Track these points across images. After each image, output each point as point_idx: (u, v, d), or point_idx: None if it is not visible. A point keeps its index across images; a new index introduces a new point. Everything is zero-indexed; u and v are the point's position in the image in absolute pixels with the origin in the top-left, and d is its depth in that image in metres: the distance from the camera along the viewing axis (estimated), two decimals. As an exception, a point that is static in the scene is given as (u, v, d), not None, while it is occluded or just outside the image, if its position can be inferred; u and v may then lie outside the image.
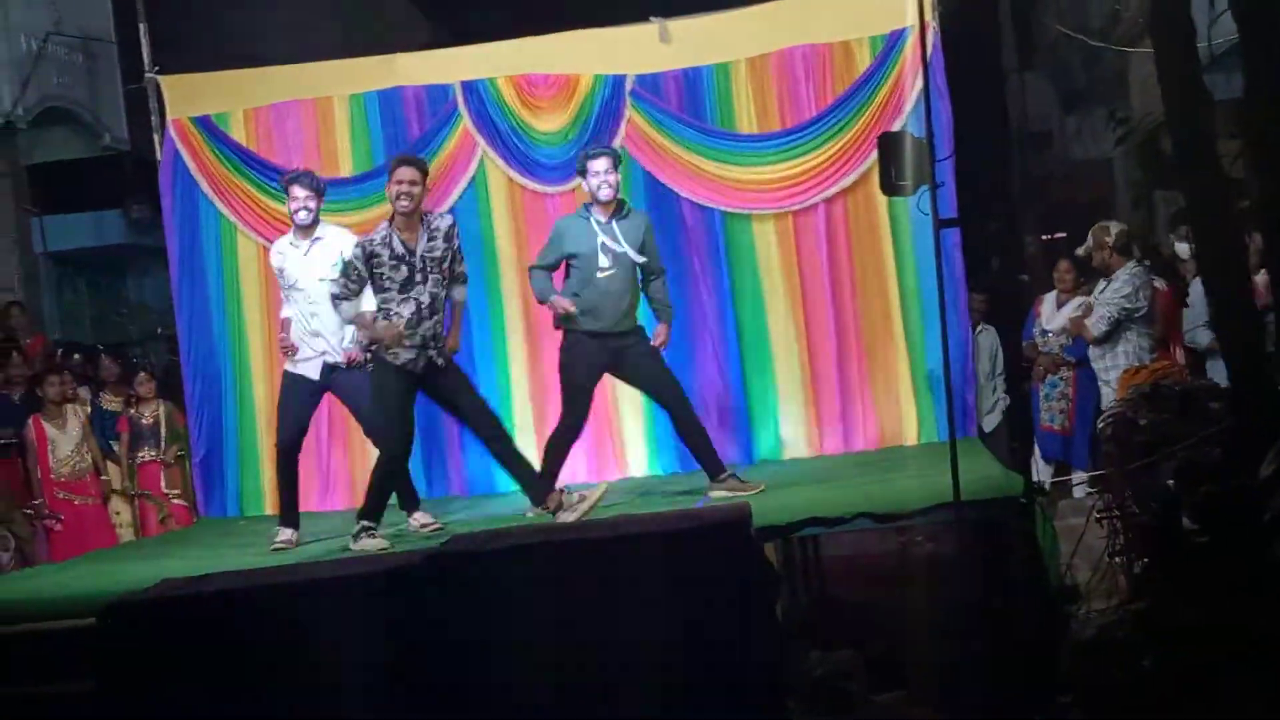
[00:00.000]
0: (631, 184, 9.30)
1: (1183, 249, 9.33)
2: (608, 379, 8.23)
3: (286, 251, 8.15)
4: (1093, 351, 9.36)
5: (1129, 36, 12.46)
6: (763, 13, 9.30)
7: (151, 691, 5.55)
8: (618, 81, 9.31)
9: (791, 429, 9.27)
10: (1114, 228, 9.53)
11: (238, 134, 9.73)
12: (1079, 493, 9.16)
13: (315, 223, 8.10)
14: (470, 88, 9.45)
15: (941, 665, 6.52)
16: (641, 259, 7.91)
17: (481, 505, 8.85)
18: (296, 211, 8.05)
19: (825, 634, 7.19)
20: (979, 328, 10.32)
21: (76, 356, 11.32)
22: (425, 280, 7.44)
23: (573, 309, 7.77)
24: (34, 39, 14.35)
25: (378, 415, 7.71)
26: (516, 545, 5.88)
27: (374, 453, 8.04)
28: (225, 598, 5.78)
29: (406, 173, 7.41)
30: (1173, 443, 6.68)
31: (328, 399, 8.42)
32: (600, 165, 7.83)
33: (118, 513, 10.43)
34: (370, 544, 7.43)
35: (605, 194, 7.84)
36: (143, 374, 10.77)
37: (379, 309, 7.45)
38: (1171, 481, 6.48)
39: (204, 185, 9.69)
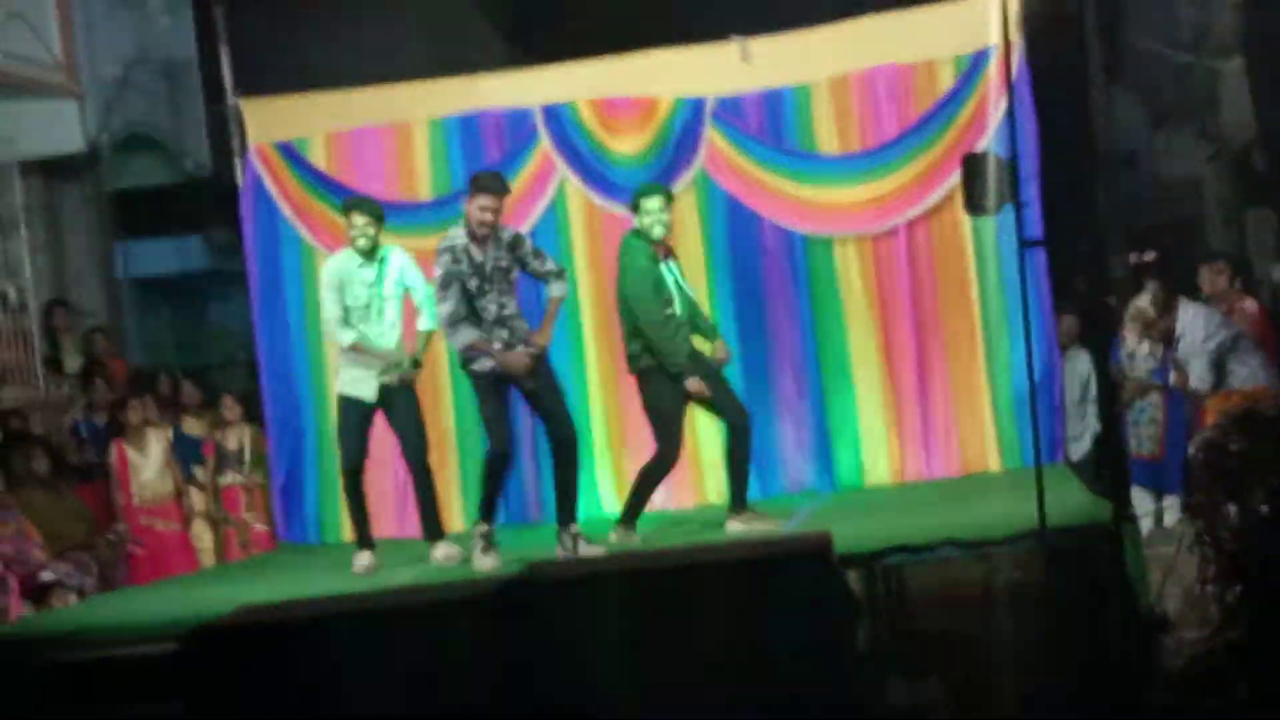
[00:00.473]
0: (713, 207, 9.28)
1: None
2: None
3: (353, 272, 8.07)
4: (1202, 375, 9.13)
5: (1220, 50, 12.26)
6: (843, 31, 9.22)
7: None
8: (698, 104, 9.28)
9: (873, 454, 9.18)
10: (1151, 288, 9.38)
11: (318, 159, 9.78)
12: (1170, 520, 8.97)
13: (375, 247, 8.11)
14: (550, 111, 9.44)
15: (1027, 696, 6.40)
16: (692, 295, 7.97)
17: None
18: (356, 239, 8.04)
19: (909, 664, 7.08)
20: (1070, 351, 10.13)
21: (162, 379, 11.38)
22: (493, 289, 7.52)
23: (706, 392, 7.75)
24: (119, 65, 14.54)
25: (483, 419, 7.75)
26: (596, 573, 5.84)
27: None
28: (303, 625, 5.76)
29: (490, 201, 7.50)
30: (1266, 469, 6.53)
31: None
32: (654, 204, 7.79)
33: (199, 537, 10.48)
34: (486, 562, 7.49)
35: (658, 232, 7.78)
36: (229, 398, 10.82)
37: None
38: (1265, 508, 6.33)
39: (285, 210, 9.74)
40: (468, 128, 9.58)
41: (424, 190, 9.59)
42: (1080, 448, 10.17)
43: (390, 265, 8.11)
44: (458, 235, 7.53)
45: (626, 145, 9.29)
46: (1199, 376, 8.90)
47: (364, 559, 8.02)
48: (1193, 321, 9.00)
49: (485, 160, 9.43)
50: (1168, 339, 9.25)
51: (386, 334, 8.11)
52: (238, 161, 9.94)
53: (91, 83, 13.97)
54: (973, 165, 6.80)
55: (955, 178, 7.90)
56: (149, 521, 10.17)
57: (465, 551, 7.79)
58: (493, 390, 7.57)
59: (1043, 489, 6.20)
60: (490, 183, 7.66)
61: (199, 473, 10.58)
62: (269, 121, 9.86)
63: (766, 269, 9.25)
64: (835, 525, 7.00)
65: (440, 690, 5.51)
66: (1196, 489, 7.48)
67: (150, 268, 16.08)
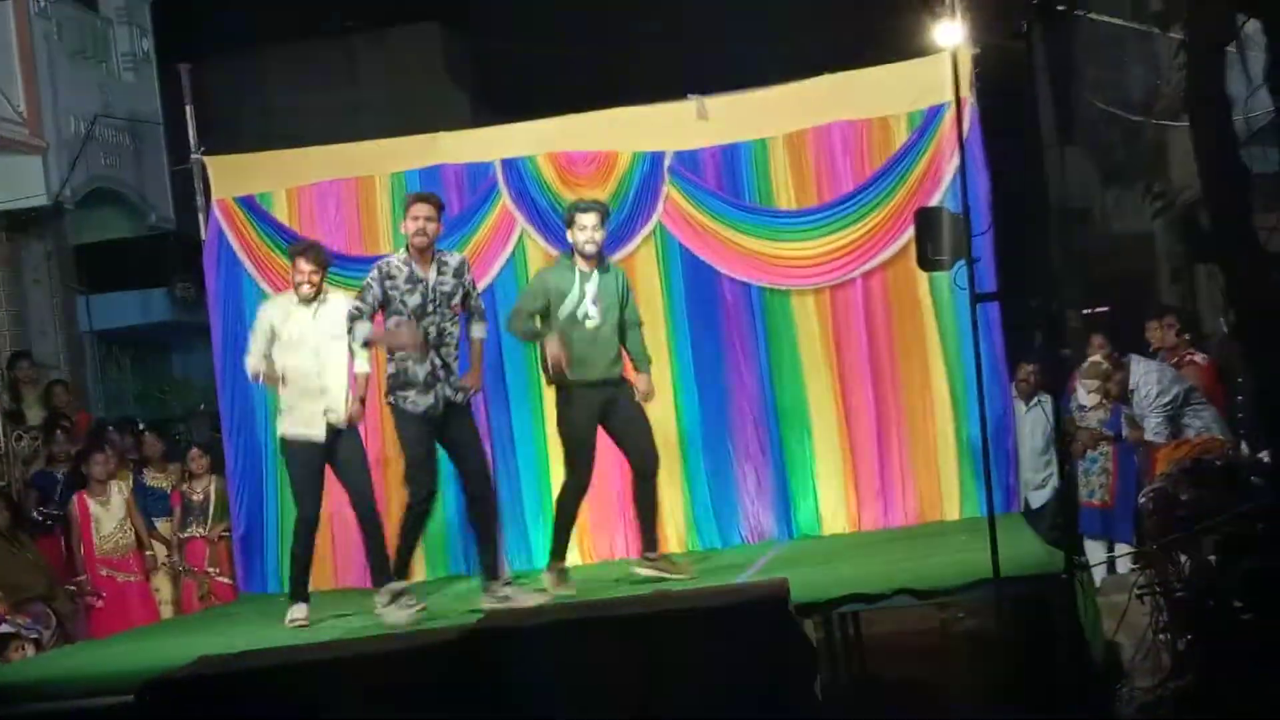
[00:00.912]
0: (671, 259, 9.36)
1: None
2: None
3: (291, 311, 8.08)
4: (1154, 427, 9.23)
5: (1169, 111, 12.48)
6: (800, 89, 9.37)
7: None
8: (656, 159, 9.37)
9: (831, 504, 9.22)
10: (1099, 342, 9.53)
11: (280, 213, 9.83)
12: (1122, 568, 9.06)
13: (318, 294, 8.14)
14: (510, 165, 9.52)
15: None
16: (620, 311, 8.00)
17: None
18: (300, 285, 8.06)
19: (865, 711, 7.14)
20: (1034, 400, 10.22)
21: (110, 430, 11.38)
22: (435, 312, 7.53)
23: (564, 355, 7.72)
24: (82, 121, 14.60)
25: (408, 460, 7.65)
26: (553, 622, 5.88)
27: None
28: (261, 675, 5.79)
29: (423, 209, 7.58)
30: (1215, 518, 6.62)
31: None
32: (589, 220, 7.89)
33: (158, 589, 10.46)
34: (400, 616, 7.39)
35: (589, 250, 7.90)
36: (196, 449, 10.83)
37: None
38: (1213, 557, 6.42)
39: (247, 264, 9.78)
40: (428, 181, 9.63)
41: (385, 243, 9.64)
42: (1042, 495, 10.27)
43: (330, 307, 8.08)
44: (394, 256, 7.64)
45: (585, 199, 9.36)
46: (1155, 431, 9.01)
47: (301, 610, 7.97)
48: (1145, 377, 9.12)
49: (446, 212, 9.45)
50: (1121, 394, 9.37)
51: (325, 375, 8.05)
52: (201, 216, 9.99)
53: (55, 137, 14.01)
54: (926, 220, 6.91)
55: (910, 232, 8.03)
56: (110, 573, 10.13)
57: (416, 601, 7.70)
58: (422, 430, 7.54)
59: (996, 538, 6.26)
60: (424, 193, 7.86)
61: (162, 525, 10.58)
62: (232, 176, 9.92)
63: (725, 320, 9.33)
64: (793, 573, 7.07)
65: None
66: (1147, 538, 7.59)
67: (114, 320, 16.09)
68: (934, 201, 8.62)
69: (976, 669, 6.98)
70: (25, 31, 13.86)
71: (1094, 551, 9.43)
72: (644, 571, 7.81)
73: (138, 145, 15.70)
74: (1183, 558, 6.78)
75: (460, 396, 7.61)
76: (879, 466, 9.17)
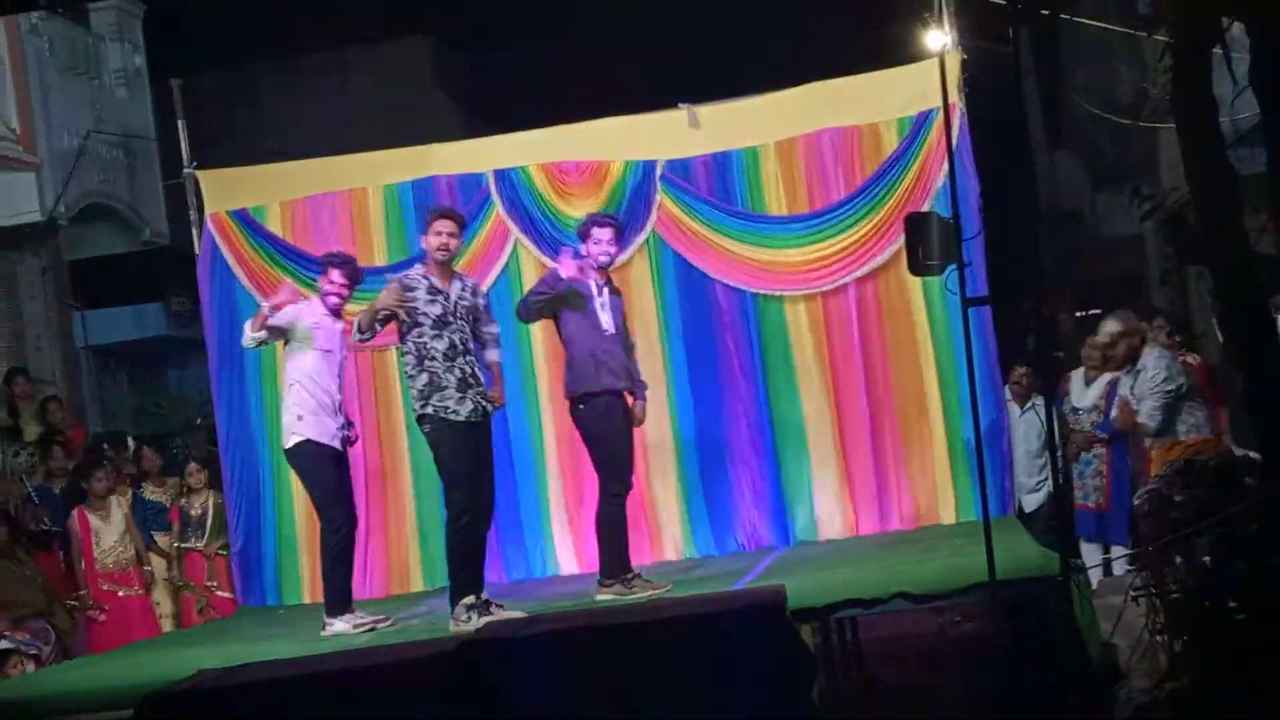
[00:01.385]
0: (664, 267, 9.40)
1: None
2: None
3: (322, 320, 8.07)
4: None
5: (1157, 113, 12.51)
6: (790, 97, 9.42)
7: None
8: (648, 167, 9.42)
9: (827, 509, 9.26)
10: (1126, 319, 9.48)
11: (274, 226, 9.86)
12: (1118, 570, 9.08)
13: (342, 306, 8.17)
14: (503, 176, 9.56)
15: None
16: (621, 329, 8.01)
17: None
18: (328, 295, 8.07)
19: (862, 716, 7.15)
20: (1028, 404, 10.24)
21: (106, 447, 11.40)
22: (456, 324, 7.51)
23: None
24: (76, 137, 14.64)
25: (456, 476, 7.44)
26: (551, 631, 5.90)
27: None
28: (259, 688, 5.81)
29: (446, 225, 7.59)
30: (1208, 519, 6.63)
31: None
32: (604, 234, 7.94)
33: (158, 603, 10.47)
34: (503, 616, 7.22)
35: (603, 261, 7.94)
36: (194, 464, 10.84)
37: (414, 344, 7.44)
38: (1208, 558, 6.43)
39: (242, 278, 9.80)
40: (421, 192, 9.68)
41: (379, 254, 9.68)
42: (1037, 498, 10.28)
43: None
44: (411, 270, 7.63)
45: (578, 208, 9.33)
46: (1149, 414, 9.01)
47: (362, 617, 7.89)
48: (1157, 361, 9.11)
49: (440, 225, 9.52)
50: (1125, 361, 9.28)
51: (342, 392, 8.12)
52: (195, 230, 10.01)
53: (48, 154, 14.05)
54: (916, 225, 6.92)
55: (902, 237, 8.05)
56: (111, 588, 10.14)
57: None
58: (469, 440, 7.40)
59: (991, 542, 6.28)
60: (446, 209, 7.85)
61: (160, 539, 10.60)
62: (225, 190, 9.94)
63: (719, 327, 9.37)
64: (789, 579, 7.10)
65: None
66: (1143, 540, 7.60)
67: (109, 335, 16.10)
68: (924, 207, 8.66)
69: (973, 673, 6.99)
70: (17, 49, 13.92)
71: (1090, 554, 9.43)
72: (605, 596, 7.67)
73: (131, 160, 15.75)
74: (1178, 559, 6.80)
75: (490, 407, 7.61)
76: (874, 471, 9.21)
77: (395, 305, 7.35)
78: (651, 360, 8.89)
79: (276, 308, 7.96)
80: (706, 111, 9.47)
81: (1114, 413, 9.36)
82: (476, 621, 7.03)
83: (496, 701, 5.65)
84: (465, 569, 7.35)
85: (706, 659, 5.68)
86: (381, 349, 9.20)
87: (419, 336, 7.44)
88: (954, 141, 7.29)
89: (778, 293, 9.31)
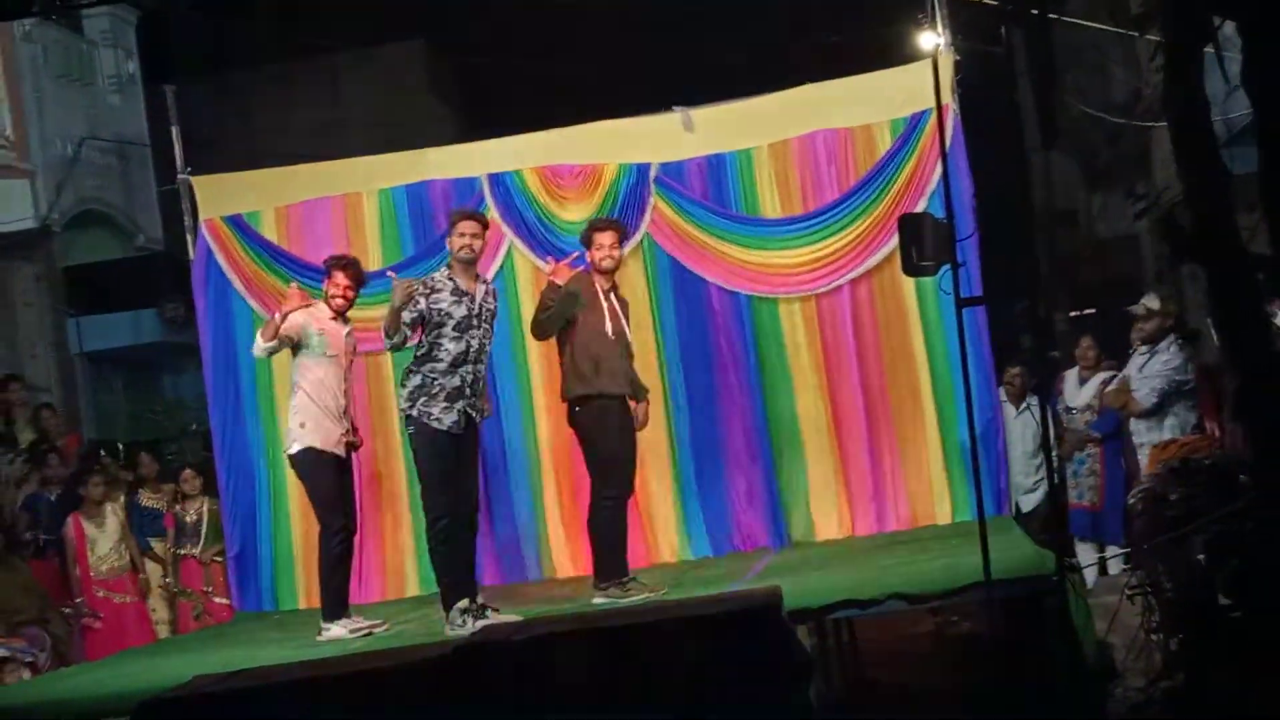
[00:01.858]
0: (658, 270, 9.39)
1: None
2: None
3: (326, 325, 8.05)
4: (1137, 425, 9.27)
5: (1150, 113, 12.52)
6: (783, 99, 9.42)
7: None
8: (642, 170, 9.41)
9: (823, 510, 9.26)
10: (1162, 298, 9.49)
11: (268, 232, 9.86)
12: (1114, 569, 9.09)
13: (348, 309, 8.17)
14: (497, 180, 9.56)
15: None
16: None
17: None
18: (334, 297, 8.04)
19: (859, 716, 7.15)
20: (1023, 404, 10.24)
21: (102, 453, 11.40)
22: (479, 327, 7.51)
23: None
24: (70, 143, 14.63)
25: (432, 479, 7.49)
26: (547, 634, 5.89)
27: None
28: (255, 694, 5.80)
29: (470, 226, 7.59)
30: (1203, 518, 6.64)
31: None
32: (606, 239, 7.94)
33: (154, 610, 10.47)
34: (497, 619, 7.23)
35: (607, 265, 7.95)
36: (189, 471, 10.84)
37: (429, 343, 7.45)
38: (1202, 557, 6.44)
39: (236, 283, 9.79)
40: (415, 197, 9.68)
41: (374, 259, 9.66)
42: (1033, 498, 10.28)
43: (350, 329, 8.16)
44: (436, 272, 7.60)
45: (572, 212, 9.37)
46: (1147, 394, 9.02)
47: (360, 621, 7.87)
48: (1178, 350, 9.16)
49: (433, 228, 9.53)
50: (1152, 341, 9.29)
51: (347, 396, 8.11)
52: (189, 236, 10.00)
53: (42, 160, 14.05)
54: (910, 226, 6.93)
55: (896, 238, 8.05)
56: (106, 594, 10.15)
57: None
58: (445, 447, 7.43)
59: (987, 542, 6.28)
60: (470, 211, 7.86)
61: (156, 545, 10.59)
62: (219, 196, 9.94)
63: (714, 330, 9.36)
64: (785, 580, 7.10)
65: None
66: (1137, 539, 7.62)
67: (104, 342, 16.09)
68: (918, 207, 8.67)
69: (969, 672, 7.01)
70: (11, 56, 13.92)
71: (1085, 553, 9.46)
72: (599, 600, 7.66)
73: (124, 167, 15.75)
74: (1173, 558, 6.81)
75: (478, 417, 7.61)
76: (869, 472, 9.20)
77: (406, 295, 7.33)
78: (646, 363, 8.88)
79: (287, 316, 7.97)
80: (700, 114, 9.48)
81: (1107, 391, 9.38)
82: (472, 626, 7.02)
83: (492, 705, 5.64)
84: (451, 573, 7.38)
85: (703, 661, 5.67)
86: (375, 353, 9.17)
87: (438, 337, 7.44)
88: (947, 142, 7.27)
89: (772, 295, 9.31)
